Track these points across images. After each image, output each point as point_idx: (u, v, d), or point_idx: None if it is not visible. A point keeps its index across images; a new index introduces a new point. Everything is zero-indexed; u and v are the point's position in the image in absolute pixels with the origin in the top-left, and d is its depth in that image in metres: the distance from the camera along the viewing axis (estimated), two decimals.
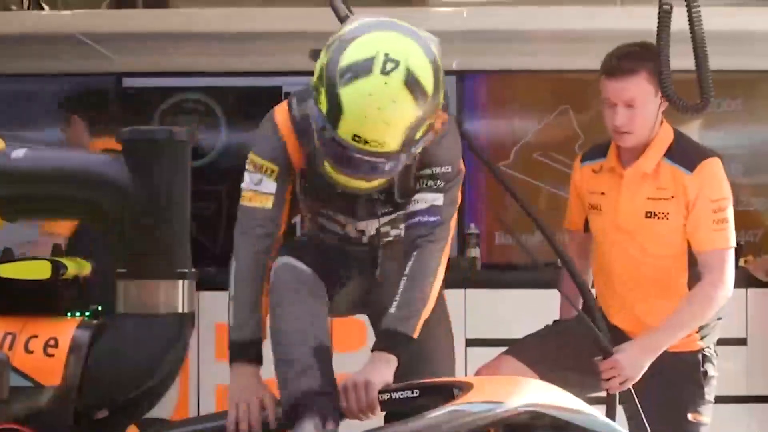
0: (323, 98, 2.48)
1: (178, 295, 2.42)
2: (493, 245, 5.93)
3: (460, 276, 5.05)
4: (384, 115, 2.46)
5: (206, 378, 4.77)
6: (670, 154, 3.44)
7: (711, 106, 2.96)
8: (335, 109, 2.47)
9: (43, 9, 5.63)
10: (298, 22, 5.11)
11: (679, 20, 2.84)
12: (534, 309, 3.94)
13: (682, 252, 3.44)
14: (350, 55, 2.48)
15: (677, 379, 3.49)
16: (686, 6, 2.75)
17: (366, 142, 2.47)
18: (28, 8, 5.59)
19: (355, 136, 2.47)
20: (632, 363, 3.27)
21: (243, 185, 2.74)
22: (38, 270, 2.43)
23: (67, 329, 2.37)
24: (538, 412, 2.35)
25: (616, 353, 3.25)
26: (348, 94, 2.46)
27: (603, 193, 3.57)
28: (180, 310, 2.42)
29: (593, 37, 5.32)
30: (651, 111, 3.38)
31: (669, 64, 2.93)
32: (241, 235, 2.68)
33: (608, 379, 3.25)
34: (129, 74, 5.80)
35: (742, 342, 5.21)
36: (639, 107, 3.37)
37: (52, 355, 2.33)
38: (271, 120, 2.79)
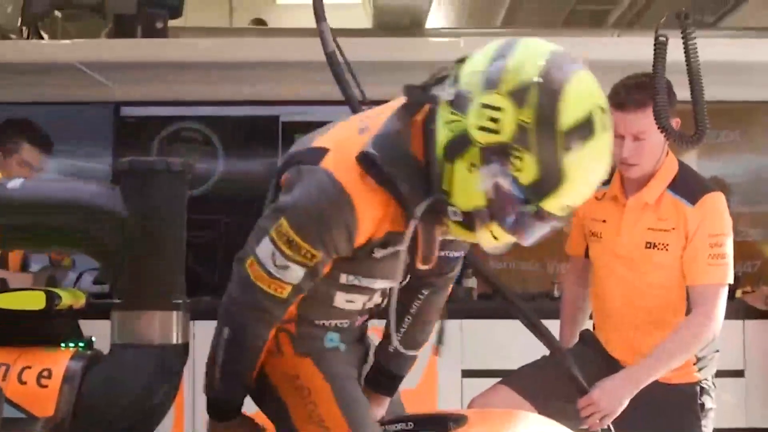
0: (529, 166, 2.07)
1: (172, 325, 2.41)
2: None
3: (456, 306, 5.04)
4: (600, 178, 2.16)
5: (201, 408, 4.71)
6: (674, 185, 3.44)
7: (709, 136, 2.95)
8: (551, 180, 2.07)
9: (42, 38, 5.64)
10: (295, 52, 5.13)
11: (675, 51, 2.84)
12: (531, 339, 3.92)
13: (680, 284, 3.43)
14: (569, 113, 2.08)
15: (674, 412, 3.48)
16: (682, 37, 2.75)
17: (569, 208, 2.14)
18: (28, 37, 5.60)
19: (566, 206, 2.14)
20: (610, 398, 3.25)
21: (259, 254, 2.27)
22: (32, 301, 2.42)
23: (60, 360, 2.36)
24: None
25: (593, 389, 3.24)
26: (574, 162, 2.07)
27: (604, 221, 3.57)
28: (174, 341, 2.41)
29: (591, 66, 5.35)
30: (658, 143, 3.39)
31: (665, 95, 2.93)
32: (247, 311, 2.34)
33: (587, 416, 3.24)
34: (127, 103, 5.82)
35: (739, 374, 5.21)
36: (647, 139, 3.37)
37: (46, 386, 2.32)
38: (340, 191, 2.21)
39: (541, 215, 2.13)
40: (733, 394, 5.19)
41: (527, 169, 2.08)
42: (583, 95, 2.12)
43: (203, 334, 4.23)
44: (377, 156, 2.20)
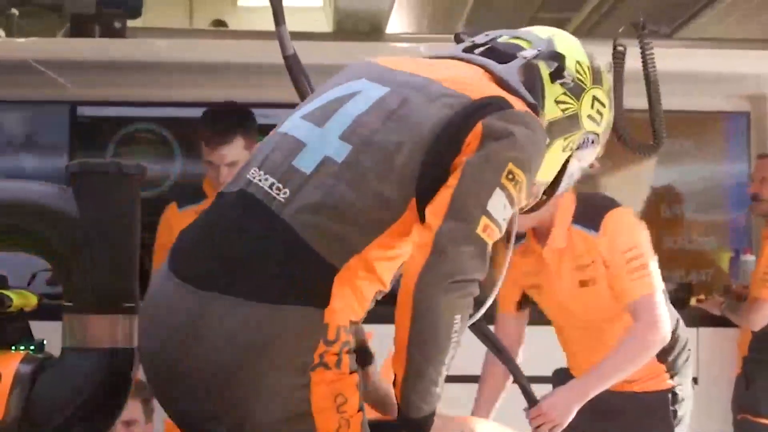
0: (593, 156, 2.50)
1: (124, 329, 2.39)
2: None
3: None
4: None
5: (161, 412, 4.71)
6: (576, 218, 3.48)
7: (664, 145, 2.98)
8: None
9: None
10: (254, 54, 5.11)
11: (633, 60, 2.86)
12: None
13: (621, 311, 3.47)
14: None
15: (645, 418, 3.51)
16: (640, 47, 2.77)
17: None
18: None
19: None
20: (558, 409, 3.29)
21: (492, 211, 2.10)
22: None
23: (10, 363, 2.33)
24: None
25: (542, 400, 3.28)
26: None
27: (537, 273, 3.61)
28: (126, 344, 2.39)
29: None
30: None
31: (622, 104, 2.95)
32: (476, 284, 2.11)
33: (537, 427, 3.28)
34: (84, 103, 5.78)
35: (693, 381, 5.24)
36: None
37: None
38: (543, 132, 2.30)
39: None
40: None
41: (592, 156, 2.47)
42: None
43: None
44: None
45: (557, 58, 2.37)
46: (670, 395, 3.57)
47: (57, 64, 5.39)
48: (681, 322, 3.71)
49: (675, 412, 3.59)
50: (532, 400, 3.27)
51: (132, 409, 3.62)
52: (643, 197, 6.13)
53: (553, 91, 2.36)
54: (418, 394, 2.12)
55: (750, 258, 5.44)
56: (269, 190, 2.15)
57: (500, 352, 3.13)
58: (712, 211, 6.17)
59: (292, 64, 2.82)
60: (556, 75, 2.35)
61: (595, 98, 2.40)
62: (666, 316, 3.42)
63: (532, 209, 2.47)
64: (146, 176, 2.49)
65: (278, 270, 2.07)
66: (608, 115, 2.45)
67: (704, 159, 6.18)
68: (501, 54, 2.37)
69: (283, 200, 2.13)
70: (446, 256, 2.05)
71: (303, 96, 2.92)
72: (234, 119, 4.17)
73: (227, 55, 5.34)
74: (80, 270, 2.37)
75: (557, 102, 2.36)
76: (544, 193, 2.47)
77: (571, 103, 2.37)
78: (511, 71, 2.33)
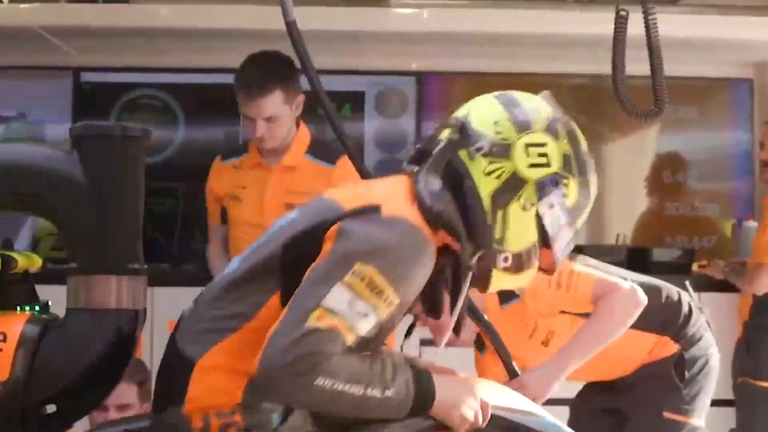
0: (573, 190, 2.33)
1: (128, 291, 2.41)
2: None
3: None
4: None
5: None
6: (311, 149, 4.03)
7: (667, 111, 2.98)
8: (586, 198, 2.37)
9: (1, 2, 5.58)
10: (257, 20, 5.10)
11: (635, 26, 2.86)
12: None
13: None
14: (582, 139, 2.39)
15: (653, 380, 3.53)
16: (642, 12, 2.77)
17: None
18: None
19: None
20: (538, 383, 3.31)
21: (330, 304, 2.11)
22: None
23: (16, 323, 2.36)
24: (490, 414, 2.36)
25: (523, 374, 3.29)
26: (593, 178, 2.39)
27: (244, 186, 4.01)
28: (130, 306, 2.41)
29: (553, 40, 5.37)
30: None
31: (624, 70, 2.94)
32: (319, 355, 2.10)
33: None
34: (87, 69, 5.77)
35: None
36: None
37: (1, 350, 2.31)
38: (424, 237, 2.23)
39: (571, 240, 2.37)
40: None
41: (572, 193, 2.33)
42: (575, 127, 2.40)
43: (162, 299, 4.26)
44: (442, 211, 2.28)
45: (464, 133, 2.32)
46: (677, 357, 3.59)
47: (61, 30, 5.37)
48: (684, 293, 3.73)
49: (682, 373, 3.60)
50: (512, 373, 3.30)
51: (127, 392, 3.57)
52: (646, 164, 6.13)
53: (477, 166, 2.29)
54: (385, 409, 2.18)
55: (752, 224, 5.43)
56: None
57: (480, 320, 3.16)
58: (715, 179, 6.16)
59: (292, 31, 2.82)
60: (473, 150, 2.30)
61: (527, 145, 2.29)
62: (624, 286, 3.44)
63: (546, 271, 2.42)
64: (150, 140, 2.51)
65: (160, 385, 2.29)
66: (556, 150, 2.31)
67: (707, 126, 6.17)
68: (424, 153, 2.39)
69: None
70: (274, 349, 2.09)
71: (303, 61, 2.93)
72: (274, 69, 3.93)
73: (231, 21, 5.32)
74: (85, 232, 2.39)
75: (487, 174, 2.29)
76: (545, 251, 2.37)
77: (503, 165, 2.29)
78: (427, 171, 2.33)
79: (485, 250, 2.30)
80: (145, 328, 2.56)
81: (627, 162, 6.14)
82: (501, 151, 2.29)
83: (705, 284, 5.26)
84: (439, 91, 5.99)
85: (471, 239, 2.29)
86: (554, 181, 2.30)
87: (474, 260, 2.30)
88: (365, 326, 2.14)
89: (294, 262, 2.23)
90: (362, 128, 5.93)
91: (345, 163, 3.73)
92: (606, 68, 3.16)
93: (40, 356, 2.35)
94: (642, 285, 3.57)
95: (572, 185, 2.33)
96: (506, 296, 3.56)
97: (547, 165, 2.30)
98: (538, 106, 2.37)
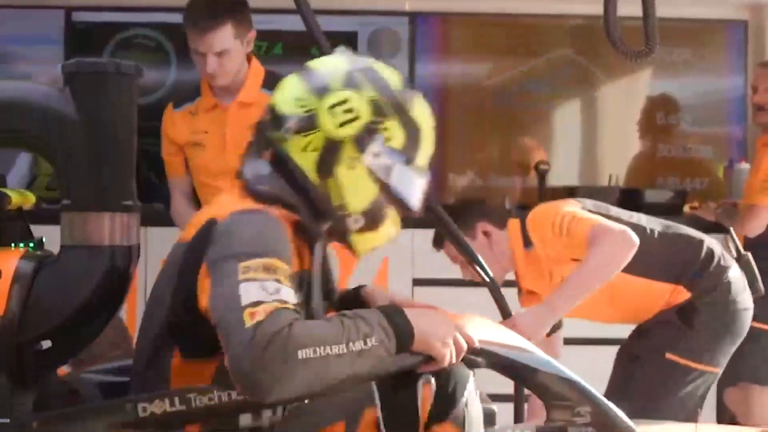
0: (395, 130, 2.31)
1: (122, 227, 2.41)
2: (444, 186, 5.95)
3: (407, 215, 5.06)
4: None
5: None
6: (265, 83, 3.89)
7: (661, 53, 2.98)
8: (415, 133, 2.35)
9: None
10: None
11: None
12: None
13: None
14: (391, 78, 2.36)
15: (663, 324, 3.56)
16: None
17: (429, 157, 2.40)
18: None
19: (428, 155, 2.39)
20: (529, 324, 3.32)
21: (250, 299, 2.07)
22: None
23: (10, 260, 2.36)
24: (481, 349, 2.38)
25: (515, 315, 3.30)
26: (419, 111, 2.36)
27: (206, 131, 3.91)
28: (124, 243, 2.41)
29: None
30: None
31: (616, 10, 2.94)
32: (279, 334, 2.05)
33: None
34: (79, 8, 5.74)
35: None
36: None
37: None
38: (265, 213, 2.25)
39: (414, 178, 2.35)
40: None
41: (396, 134, 2.31)
42: (383, 66, 2.38)
43: (156, 239, 4.27)
44: (266, 191, 2.30)
45: (274, 118, 2.34)
46: (687, 304, 3.61)
47: None
48: (710, 239, 3.77)
49: (689, 319, 3.61)
50: (505, 313, 3.32)
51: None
52: (638, 106, 6.12)
53: (294, 145, 2.32)
54: (376, 358, 2.15)
55: (745, 166, 5.45)
56: None
57: (473, 260, 3.18)
58: (708, 121, 6.16)
59: None
60: (284, 132, 2.32)
61: (330, 108, 2.29)
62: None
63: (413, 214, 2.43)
64: (143, 77, 2.50)
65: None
66: (361, 100, 2.29)
67: (701, 68, 6.16)
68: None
69: None
70: (240, 364, 2.03)
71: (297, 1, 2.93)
72: (224, 3, 3.86)
73: None
74: (79, 169, 2.39)
75: (304, 149, 2.31)
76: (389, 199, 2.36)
77: (315, 135, 2.30)
78: (252, 162, 2.36)
79: (331, 219, 2.32)
80: (139, 267, 2.57)
81: (620, 104, 6.14)
82: (309, 123, 2.31)
83: (696, 225, 5.28)
84: (432, 31, 5.97)
85: (314, 213, 2.31)
86: (369, 130, 2.30)
87: (324, 229, 2.33)
88: (290, 297, 2.11)
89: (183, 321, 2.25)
90: None
91: None
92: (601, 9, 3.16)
93: (34, 292, 2.35)
94: (664, 234, 3.61)
95: (392, 126, 2.32)
96: (527, 241, 3.59)
97: (357, 118, 2.29)
98: (332, 66, 2.37)
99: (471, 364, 2.49)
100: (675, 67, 6.07)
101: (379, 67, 2.38)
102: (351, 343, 2.10)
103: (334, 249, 2.55)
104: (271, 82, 3.79)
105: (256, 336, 2.01)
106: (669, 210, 5.46)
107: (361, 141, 2.29)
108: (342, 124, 2.29)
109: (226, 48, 3.82)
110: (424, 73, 5.98)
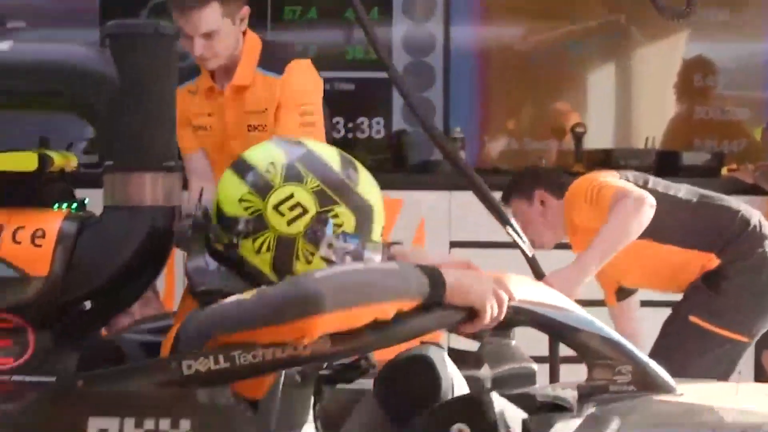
0: (345, 215, 2.28)
1: (163, 187, 2.42)
2: (482, 149, 5.95)
3: (445, 178, 5.07)
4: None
5: None
6: (261, 62, 3.70)
7: (699, 15, 2.95)
8: (366, 213, 2.32)
9: None
10: None
11: None
12: None
13: None
14: (331, 157, 2.33)
15: (692, 289, 3.60)
16: None
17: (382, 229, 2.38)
18: None
19: (381, 229, 2.36)
20: (562, 284, 3.36)
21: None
22: (25, 162, 2.43)
23: (54, 221, 2.37)
24: (519, 307, 2.38)
25: (547, 275, 3.34)
26: (365, 188, 2.33)
27: (210, 114, 3.75)
28: (166, 203, 2.42)
29: None
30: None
31: None
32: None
33: None
34: None
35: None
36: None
37: (40, 246, 2.33)
38: None
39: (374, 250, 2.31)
40: None
41: (346, 219, 2.29)
42: (319, 144, 2.39)
43: None
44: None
45: (222, 222, 2.31)
46: (717, 270, 3.64)
47: None
48: (746, 207, 3.81)
49: (715, 284, 3.64)
50: (538, 273, 3.34)
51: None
52: (675, 68, 6.09)
53: (247, 248, 2.29)
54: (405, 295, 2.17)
55: None
56: None
57: (504, 220, 3.20)
58: (745, 83, 6.12)
59: None
60: (233, 238, 2.29)
61: (275, 207, 2.27)
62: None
63: None
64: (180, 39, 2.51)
65: None
66: (305, 193, 2.27)
67: (737, 30, 6.11)
68: None
69: None
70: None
71: None
72: None
73: None
74: (119, 130, 2.40)
75: (258, 251, 2.28)
76: None
77: (266, 236, 2.27)
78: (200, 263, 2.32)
79: None
80: None
81: (657, 66, 6.10)
82: (258, 224, 2.27)
83: (734, 188, 5.26)
84: None
85: None
86: (319, 221, 2.27)
87: None
88: None
89: None
90: (390, 32, 5.90)
91: (291, 69, 3.59)
92: None
93: (78, 253, 2.36)
94: (700, 203, 3.65)
95: (341, 212, 2.29)
96: None
97: (305, 212, 2.27)
98: (270, 159, 2.31)
99: (511, 323, 2.50)
100: (712, 29, 6.03)
101: (316, 149, 2.35)
102: (388, 278, 2.15)
103: None
104: (266, 59, 3.66)
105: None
106: (706, 172, 5.44)
107: (314, 234, 2.27)
108: (290, 222, 2.27)
109: (214, 29, 3.58)
110: (459, 37, 5.96)
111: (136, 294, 2.55)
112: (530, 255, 3.31)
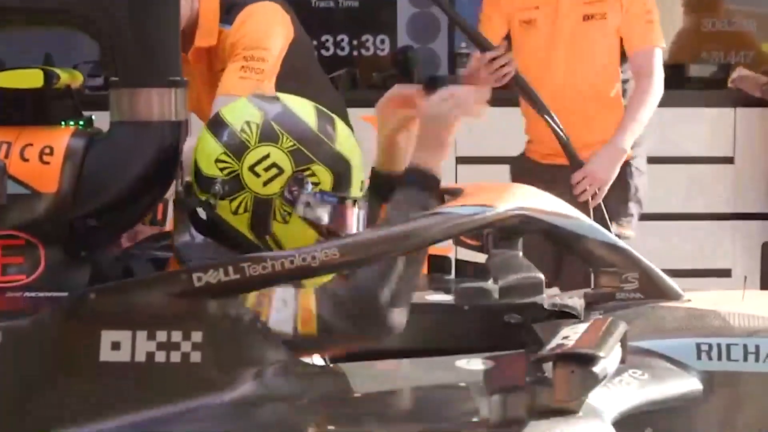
0: (322, 172, 2.29)
1: (170, 103, 2.42)
2: None
3: None
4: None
5: None
6: None
7: None
8: (343, 168, 2.32)
9: None
10: None
11: None
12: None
13: (617, 55, 3.53)
14: (305, 113, 2.33)
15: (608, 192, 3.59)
16: None
17: (362, 184, 2.38)
18: None
19: (360, 182, 2.37)
20: (602, 168, 3.38)
21: None
22: (30, 79, 2.42)
23: (62, 137, 2.38)
24: (527, 216, 2.39)
25: (587, 164, 3.34)
26: (343, 143, 2.33)
27: (537, 7, 3.59)
28: (173, 118, 2.43)
29: None
30: None
31: None
32: None
33: (582, 191, 3.35)
34: None
35: (729, 161, 5.28)
36: None
37: (48, 163, 2.34)
38: None
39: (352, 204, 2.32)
40: (724, 181, 5.28)
41: (323, 177, 2.28)
42: (296, 100, 2.35)
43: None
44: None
45: (198, 181, 2.33)
46: (628, 169, 3.65)
47: None
48: None
49: (630, 185, 3.67)
50: (576, 163, 3.34)
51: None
52: None
53: (224, 208, 2.31)
54: None
55: None
56: None
57: (541, 108, 3.19)
58: None
59: None
60: (211, 198, 2.30)
61: (251, 168, 2.28)
62: (661, 76, 3.64)
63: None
64: None
65: None
66: (281, 152, 2.28)
67: None
68: None
69: None
70: None
71: None
72: None
73: None
74: (125, 45, 2.39)
75: (235, 212, 2.30)
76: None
77: (243, 196, 2.29)
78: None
79: None
80: None
81: None
82: (234, 185, 2.28)
83: (740, 99, 5.25)
84: None
85: None
86: (297, 181, 2.27)
87: None
88: None
89: None
90: None
91: (242, 16, 3.29)
92: None
93: (86, 169, 2.37)
94: None
95: (318, 169, 2.29)
96: None
97: (281, 172, 2.28)
98: (245, 118, 2.31)
99: (518, 232, 2.52)
100: None
101: (292, 106, 2.34)
102: None
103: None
104: (228, 13, 3.36)
105: None
106: (713, 84, 5.42)
107: (290, 194, 2.28)
108: (266, 183, 2.28)
109: None
110: None
111: (145, 210, 2.57)
112: (565, 140, 3.32)
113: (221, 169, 2.30)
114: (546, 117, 3.33)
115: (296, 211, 2.29)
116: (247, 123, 2.31)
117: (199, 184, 2.34)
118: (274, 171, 2.27)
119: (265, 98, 2.39)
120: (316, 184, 2.29)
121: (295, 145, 2.28)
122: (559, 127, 3.34)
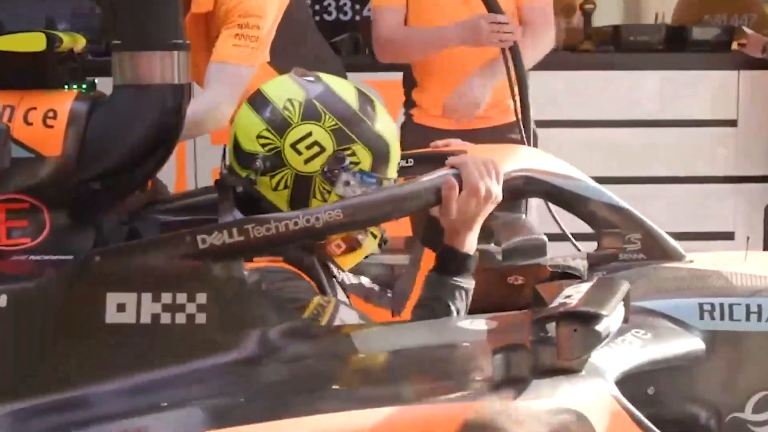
0: (362, 152, 2.32)
1: (173, 66, 2.41)
2: None
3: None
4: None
5: (202, 162, 4.85)
6: None
7: None
8: (382, 150, 2.36)
9: None
10: None
11: None
12: None
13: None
14: (348, 95, 2.36)
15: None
16: None
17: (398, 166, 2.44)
18: None
19: (397, 164, 2.42)
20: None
21: None
22: (33, 42, 2.42)
23: (65, 101, 2.38)
24: (531, 177, 2.40)
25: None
26: (382, 125, 2.36)
27: None
28: (175, 81, 2.42)
29: None
30: None
31: None
32: None
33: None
34: None
35: (732, 123, 5.28)
36: None
37: (52, 126, 2.34)
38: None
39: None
40: (726, 144, 5.28)
41: (363, 157, 2.31)
42: (338, 81, 2.38)
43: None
44: None
45: (239, 158, 2.37)
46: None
47: None
48: None
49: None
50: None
51: None
52: None
53: (264, 185, 2.35)
54: None
55: None
56: None
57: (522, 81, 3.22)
58: None
59: None
60: (252, 174, 2.34)
61: (293, 145, 2.32)
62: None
63: None
64: None
65: None
66: (323, 131, 2.32)
67: None
68: None
69: None
70: None
71: None
72: None
73: None
74: (126, 8, 2.39)
75: (275, 189, 2.34)
76: None
77: (284, 173, 2.33)
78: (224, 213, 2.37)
79: (314, 250, 2.34)
80: None
81: None
82: (275, 161, 2.32)
83: (744, 62, 5.24)
84: None
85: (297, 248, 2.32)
86: (336, 160, 2.31)
87: (311, 260, 2.35)
88: None
89: None
90: None
91: None
92: None
93: (89, 132, 2.37)
94: None
95: (358, 149, 2.32)
96: None
97: (322, 150, 2.31)
98: (288, 95, 2.35)
99: (521, 194, 2.52)
100: None
101: (334, 86, 2.37)
102: None
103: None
104: None
105: None
106: (716, 47, 5.40)
107: (331, 173, 2.31)
108: (307, 160, 2.31)
109: None
110: None
111: (148, 173, 2.56)
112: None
113: (263, 145, 2.33)
114: (522, 91, 3.33)
115: (336, 189, 2.32)
116: (290, 100, 2.34)
117: (238, 159, 2.37)
118: (315, 149, 2.31)
119: (306, 76, 2.40)
120: (356, 164, 2.32)
121: (336, 124, 2.31)
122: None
